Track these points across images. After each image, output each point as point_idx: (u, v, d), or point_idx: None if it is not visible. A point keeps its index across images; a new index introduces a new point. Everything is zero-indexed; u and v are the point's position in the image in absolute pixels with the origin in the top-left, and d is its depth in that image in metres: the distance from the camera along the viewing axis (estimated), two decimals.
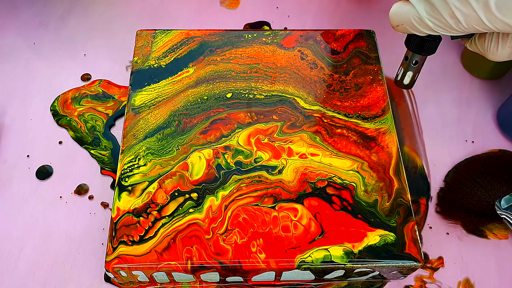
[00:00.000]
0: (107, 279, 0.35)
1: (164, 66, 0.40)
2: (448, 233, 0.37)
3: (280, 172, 0.34)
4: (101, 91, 0.44)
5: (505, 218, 0.35)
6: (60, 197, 0.38)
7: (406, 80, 0.35)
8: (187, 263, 0.31)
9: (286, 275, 0.32)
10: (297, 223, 0.32)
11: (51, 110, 0.43)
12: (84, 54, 0.47)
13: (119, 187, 0.34)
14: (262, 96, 0.38)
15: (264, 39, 0.42)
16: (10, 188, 0.39)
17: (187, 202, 0.33)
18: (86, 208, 0.38)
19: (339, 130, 0.36)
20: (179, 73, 0.40)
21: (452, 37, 0.31)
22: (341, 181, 0.34)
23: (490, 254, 0.37)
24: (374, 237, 0.32)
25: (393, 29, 0.31)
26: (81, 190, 0.39)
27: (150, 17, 0.50)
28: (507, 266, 0.36)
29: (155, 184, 0.34)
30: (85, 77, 0.45)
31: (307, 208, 0.33)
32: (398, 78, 0.35)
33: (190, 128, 0.36)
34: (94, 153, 0.40)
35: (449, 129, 0.43)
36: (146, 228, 0.32)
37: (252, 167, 0.35)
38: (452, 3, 0.25)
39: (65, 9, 0.50)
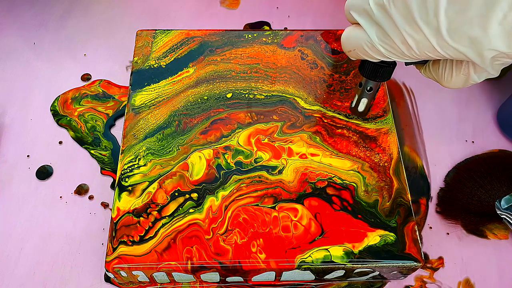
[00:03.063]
0: (107, 279, 0.35)
1: (164, 66, 0.40)
2: (448, 233, 0.37)
3: (280, 172, 0.34)
4: (101, 91, 0.44)
5: (505, 218, 0.35)
6: (60, 197, 0.38)
7: (361, 107, 0.33)
8: (187, 263, 0.31)
9: (286, 275, 0.32)
10: (297, 223, 0.32)
11: (51, 110, 0.43)
12: (84, 54, 0.47)
13: (119, 187, 0.34)
14: (262, 96, 0.38)
15: (264, 39, 0.42)
16: (10, 188, 0.39)
17: (187, 202, 0.33)
18: (86, 208, 0.38)
19: (339, 130, 0.36)
20: (179, 73, 0.40)
21: (406, 63, 0.29)
22: (341, 181, 0.34)
23: (490, 254, 0.37)
24: (374, 237, 0.32)
25: (346, 54, 0.30)
26: (81, 190, 0.39)
27: (150, 17, 0.50)
28: (507, 266, 0.36)
29: (155, 184, 0.34)
30: (85, 77, 0.45)
31: (307, 208, 0.33)
32: (353, 105, 0.34)
33: (190, 128, 0.36)
34: (94, 153, 0.40)
35: (449, 129, 0.43)
36: (146, 228, 0.32)
37: (252, 167, 0.35)
38: (404, 28, 0.24)
39: (65, 9, 0.50)
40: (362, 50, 0.28)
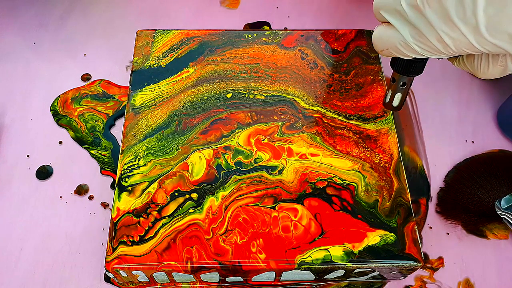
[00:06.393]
0: (107, 279, 0.35)
1: (164, 66, 0.40)
2: (448, 233, 0.37)
3: (280, 172, 0.34)
4: (101, 91, 0.44)
5: (505, 218, 0.35)
6: (60, 197, 0.38)
7: (395, 102, 0.33)
8: (187, 263, 0.31)
9: (286, 275, 0.32)
10: (297, 223, 0.32)
11: (51, 110, 0.43)
12: (84, 54, 0.47)
13: (119, 187, 0.34)
14: (263, 96, 0.38)
15: (264, 39, 0.42)
16: (10, 188, 0.39)
17: (187, 203, 0.33)
18: (86, 208, 0.38)
19: (339, 131, 0.36)
20: (179, 73, 0.39)
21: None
22: (341, 182, 0.34)
23: (490, 254, 0.37)
24: (374, 237, 0.32)
25: (379, 53, 0.29)
26: (81, 190, 0.39)
27: (150, 17, 0.50)
28: (507, 266, 0.36)
29: (155, 184, 0.34)
30: (85, 77, 0.45)
31: (307, 209, 0.33)
32: (387, 101, 0.34)
33: (190, 128, 0.36)
34: (94, 153, 0.40)
35: (449, 129, 0.43)
36: (146, 228, 0.32)
37: (252, 167, 0.35)
38: (440, 27, 0.24)
39: (65, 9, 0.50)
40: (396, 49, 0.27)
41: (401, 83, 0.32)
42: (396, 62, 0.31)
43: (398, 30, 0.26)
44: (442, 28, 0.24)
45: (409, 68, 0.30)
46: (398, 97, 0.33)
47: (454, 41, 0.24)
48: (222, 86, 0.39)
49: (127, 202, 0.33)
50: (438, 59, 0.30)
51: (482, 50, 0.25)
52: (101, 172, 0.39)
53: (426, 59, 0.30)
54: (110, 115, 0.42)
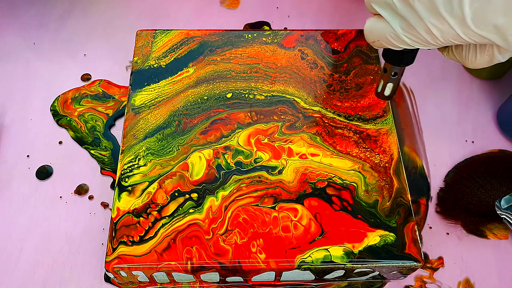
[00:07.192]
0: (107, 279, 0.35)
1: (164, 66, 0.40)
2: (448, 233, 0.37)
3: (280, 172, 0.34)
4: (101, 91, 0.44)
5: (505, 218, 0.35)
6: (60, 197, 0.38)
7: (387, 92, 0.34)
8: (187, 263, 0.31)
9: (286, 275, 0.32)
10: (297, 223, 0.32)
11: (51, 110, 0.43)
12: (84, 54, 0.47)
13: (119, 187, 0.34)
14: (263, 97, 0.38)
15: (264, 39, 0.42)
16: (10, 188, 0.39)
17: (187, 203, 0.33)
18: (86, 208, 0.38)
19: (339, 131, 0.36)
20: (179, 73, 0.39)
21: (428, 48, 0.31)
22: (341, 182, 0.34)
23: (490, 254, 0.37)
24: (374, 237, 0.32)
25: (369, 44, 0.30)
26: (81, 190, 0.39)
27: (150, 17, 0.50)
28: (507, 266, 0.36)
29: (155, 184, 0.34)
30: (85, 77, 0.45)
31: (307, 209, 0.33)
32: (379, 90, 0.35)
33: (190, 128, 0.36)
34: (94, 153, 0.40)
35: (449, 129, 0.43)
36: (146, 229, 0.32)
37: (252, 167, 0.35)
38: (428, 19, 0.25)
39: (65, 9, 0.50)
40: (387, 40, 0.28)
41: (392, 73, 0.33)
42: (387, 53, 0.32)
43: (388, 22, 0.27)
44: (431, 20, 0.25)
45: (400, 58, 0.31)
46: (389, 86, 0.34)
47: (442, 32, 0.25)
48: (222, 86, 0.39)
49: (127, 202, 0.33)
50: (429, 49, 0.31)
51: (469, 41, 0.25)
52: (101, 172, 0.39)
53: (417, 50, 0.31)
54: (110, 115, 0.42)
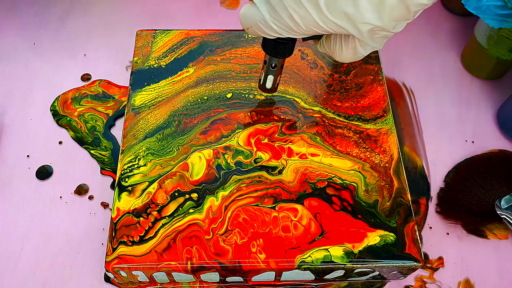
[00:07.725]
0: (107, 279, 0.35)
1: (164, 66, 0.40)
2: (448, 233, 0.37)
3: (280, 172, 0.34)
4: (101, 91, 0.44)
5: (505, 218, 0.35)
6: (60, 197, 0.38)
7: (268, 84, 0.34)
8: (187, 263, 0.31)
9: (286, 275, 0.32)
10: (297, 223, 0.32)
11: (51, 110, 0.43)
12: (84, 54, 0.47)
13: (119, 187, 0.34)
14: (263, 97, 0.38)
15: None
16: (10, 188, 0.39)
17: (187, 203, 0.33)
18: (86, 208, 0.38)
19: (339, 131, 0.36)
20: (179, 73, 0.39)
21: (303, 39, 0.31)
22: (341, 182, 0.34)
23: (490, 254, 0.37)
24: (374, 237, 0.32)
25: (245, 31, 0.31)
26: (81, 190, 0.39)
27: (150, 17, 0.50)
28: (507, 266, 0.36)
29: (155, 185, 0.34)
30: (85, 77, 0.45)
31: (307, 209, 0.33)
32: (261, 83, 0.35)
33: (190, 128, 0.36)
34: (94, 153, 0.40)
35: (449, 129, 0.43)
36: (146, 229, 0.32)
37: (252, 167, 0.35)
38: (289, 4, 0.26)
39: (65, 9, 0.50)
40: (258, 27, 0.29)
41: (272, 65, 0.33)
42: (265, 44, 0.32)
43: (258, 7, 0.28)
44: (291, 5, 0.26)
45: (277, 49, 0.32)
46: (270, 79, 0.34)
47: (302, 19, 0.26)
48: (222, 86, 0.39)
49: (127, 202, 0.33)
50: (303, 40, 0.31)
51: (328, 29, 0.26)
52: (101, 172, 0.39)
53: (293, 41, 0.31)
54: (110, 115, 0.42)
